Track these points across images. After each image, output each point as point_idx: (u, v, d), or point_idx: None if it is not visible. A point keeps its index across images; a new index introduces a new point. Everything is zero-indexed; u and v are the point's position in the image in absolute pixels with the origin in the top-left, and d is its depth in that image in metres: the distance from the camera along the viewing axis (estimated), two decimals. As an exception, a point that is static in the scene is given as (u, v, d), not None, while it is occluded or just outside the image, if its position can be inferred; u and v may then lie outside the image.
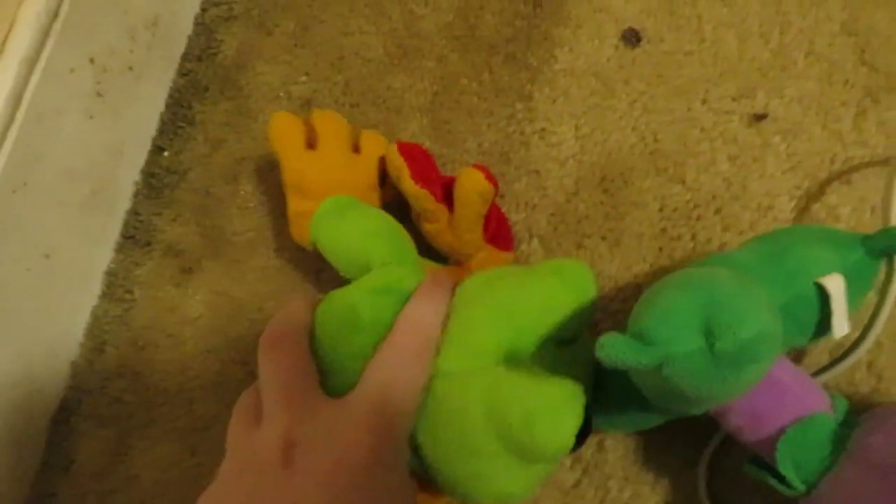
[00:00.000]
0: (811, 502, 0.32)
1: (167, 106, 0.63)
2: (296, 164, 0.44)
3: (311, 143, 0.45)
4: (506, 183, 0.49)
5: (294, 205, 0.45)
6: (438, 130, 0.53)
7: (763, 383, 0.32)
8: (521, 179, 0.49)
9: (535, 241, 0.47)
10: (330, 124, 0.46)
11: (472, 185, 0.40)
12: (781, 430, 0.32)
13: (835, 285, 0.32)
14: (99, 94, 0.57)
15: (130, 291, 0.58)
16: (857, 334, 0.36)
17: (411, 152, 0.42)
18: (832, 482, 0.31)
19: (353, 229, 0.38)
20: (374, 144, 0.47)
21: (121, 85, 0.58)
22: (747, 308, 0.27)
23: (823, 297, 0.33)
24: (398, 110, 0.54)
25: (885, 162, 0.42)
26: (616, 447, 0.42)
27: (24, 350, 0.53)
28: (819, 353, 0.40)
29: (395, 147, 0.42)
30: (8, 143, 0.50)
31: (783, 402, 0.33)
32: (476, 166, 0.41)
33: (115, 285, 0.58)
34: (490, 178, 0.40)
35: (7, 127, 0.50)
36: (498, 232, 0.45)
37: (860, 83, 0.44)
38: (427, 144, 0.53)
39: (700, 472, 0.39)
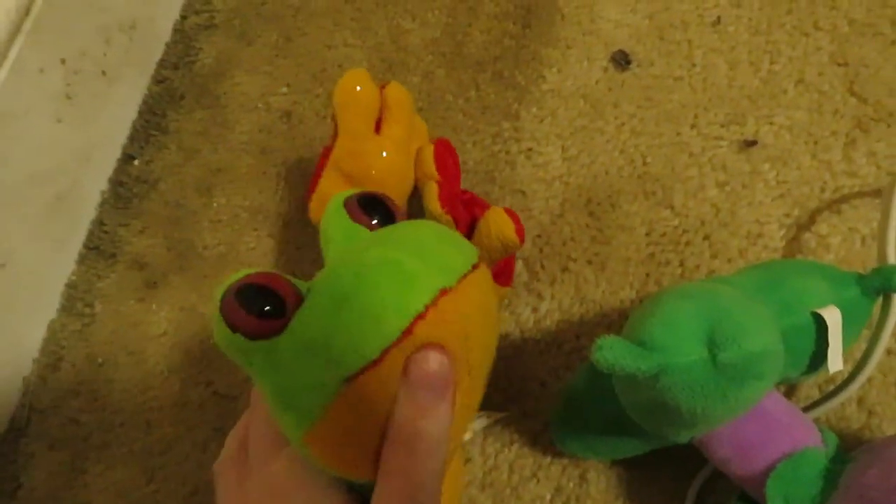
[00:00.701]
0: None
1: (140, 113, 0.61)
2: (354, 144, 0.41)
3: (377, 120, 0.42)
4: (490, 202, 0.48)
5: (330, 188, 0.42)
6: (421, 147, 0.51)
7: (752, 414, 0.31)
8: (506, 199, 0.48)
9: (520, 263, 0.46)
10: (401, 108, 0.43)
11: (498, 233, 0.37)
12: (771, 466, 0.30)
13: (832, 317, 0.31)
14: (69, 97, 0.54)
15: (91, 305, 0.55)
16: (849, 369, 0.35)
17: (444, 162, 0.40)
18: (827, 521, 0.29)
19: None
20: (420, 137, 0.45)
21: (92, 88, 0.56)
22: (753, 322, 0.25)
23: (819, 329, 0.31)
24: (380, 125, 0.53)
25: (875, 193, 0.41)
26: (598, 479, 0.40)
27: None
28: (809, 387, 0.39)
29: (430, 151, 0.40)
30: (-31, 145, 0.48)
31: (773, 435, 0.31)
32: (507, 211, 0.37)
33: (76, 298, 0.56)
34: (519, 230, 0.37)
35: (-31, 127, 0.48)
36: (504, 269, 0.43)
37: (849, 113, 0.43)
38: (409, 161, 0.51)
39: (688, 500, 0.37)
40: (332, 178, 0.43)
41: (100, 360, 0.52)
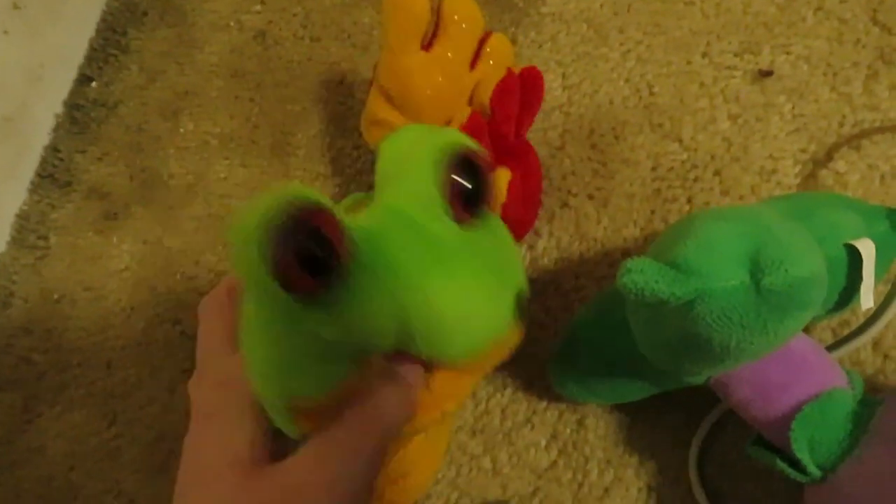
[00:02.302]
0: (824, 490, 0.28)
1: (98, 31, 0.56)
2: (399, 62, 0.36)
3: (426, 35, 0.37)
4: (484, 133, 0.44)
5: (375, 108, 0.38)
6: (410, 72, 0.47)
7: (777, 354, 0.29)
8: (501, 130, 0.44)
9: (515, 198, 0.43)
10: (459, 22, 0.37)
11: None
12: (795, 408, 0.28)
13: (867, 250, 0.29)
14: (16, 7, 0.49)
15: (45, 237, 0.50)
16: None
17: (504, 98, 0.37)
18: (852, 466, 0.27)
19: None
20: (499, 57, 0.39)
21: (43, -2, 0.51)
22: (800, 245, 0.23)
23: (852, 263, 0.29)
24: (364, 48, 0.49)
25: (894, 127, 0.39)
26: (597, 425, 0.38)
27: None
28: (822, 330, 0.37)
29: (492, 82, 0.37)
30: None
31: (798, 376, 0.29)
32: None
33: (27, 230, 0.51)
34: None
35: None
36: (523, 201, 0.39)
37: (872, 44, 0.41)
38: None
39: (691, 456, 0.35)
40: (375, 96, 0.38)
41: (55, 295, 0.48)
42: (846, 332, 0.35)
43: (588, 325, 0.34)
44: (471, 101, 0.39)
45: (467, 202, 0.23)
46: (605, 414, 0.38)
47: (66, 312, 0.47)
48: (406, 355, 0.22)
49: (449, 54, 0.37)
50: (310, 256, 0.19)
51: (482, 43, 0.39)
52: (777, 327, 0.23)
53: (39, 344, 0.47)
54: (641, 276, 0.22)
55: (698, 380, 0.30)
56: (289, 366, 0.22)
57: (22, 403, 0.46)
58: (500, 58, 0.39)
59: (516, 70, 0.39)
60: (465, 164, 0.23)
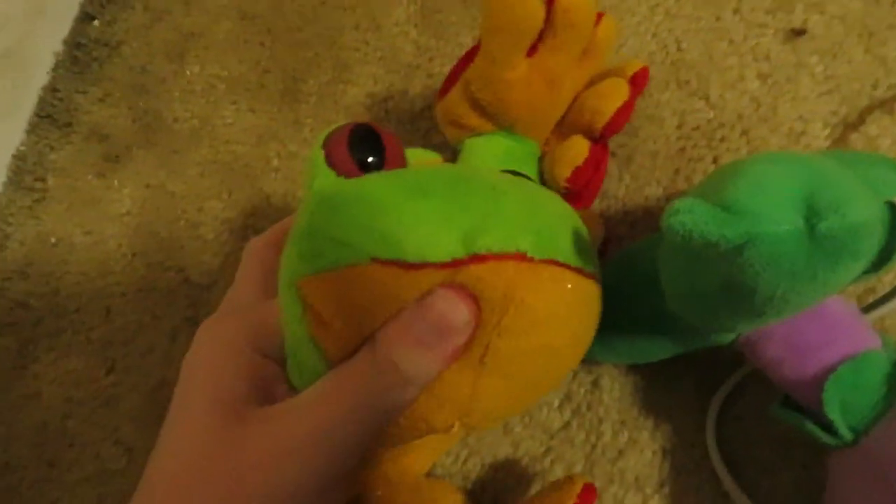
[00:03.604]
0: (855, 454, 0.28)
1: (101, -33, 0.53)
2: (500, 76, 0.32)
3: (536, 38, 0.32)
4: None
5: (460, 112, 0.34)
6: (428, 20, 0.46)
7: (810, 313, 0.28)
8: (521, 83, 0.43)
9: (534, 152, 0.41)
10: (573, 24, 0.32)
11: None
12: (829, 368, 0.27)
13: (909, 207, 0.27)
14: (17, -65, 0.47)
15: (43, 179, 0.49)
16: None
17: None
18: (886, 429, 0.27)
19: None
20: (607, 46, 0.35)
21: (45, -73, 0.48)
22: (856, 190, 0.21)
23: (892, 221, 0.28)
24: (383, -8, 0.47)
25: (932, 92, 0.38)
26: (612, 387, 0.37)
27: None
28: (846, 297, 0.36)
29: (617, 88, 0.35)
30: None
31: (833, 335, 0.28)
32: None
33: (25, 171, 0.49)
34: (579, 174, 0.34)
35: None
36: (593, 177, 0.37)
37: (910, 4, 0.39)
38: (413, 35, 0.45)
39: (709, 420, 0.35)
40: (461, 100, 0.35)
41: (53, 239, 0.46)
42: (871, 299, 0.34)
43: (610, 280, 0.33)
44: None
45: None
46: (620, 376, 0.37)
47: (65, 257, 0.46)
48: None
49: (556, 60, 0.33)
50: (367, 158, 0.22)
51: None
52: (828, 276, 0.22)
53: (36, 288, 0.46)
54: (690, 216, 0.21)
55: (727, 338, 0.30)
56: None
57: (17, 348, 0.45)
58: (608, 46, 0.36)
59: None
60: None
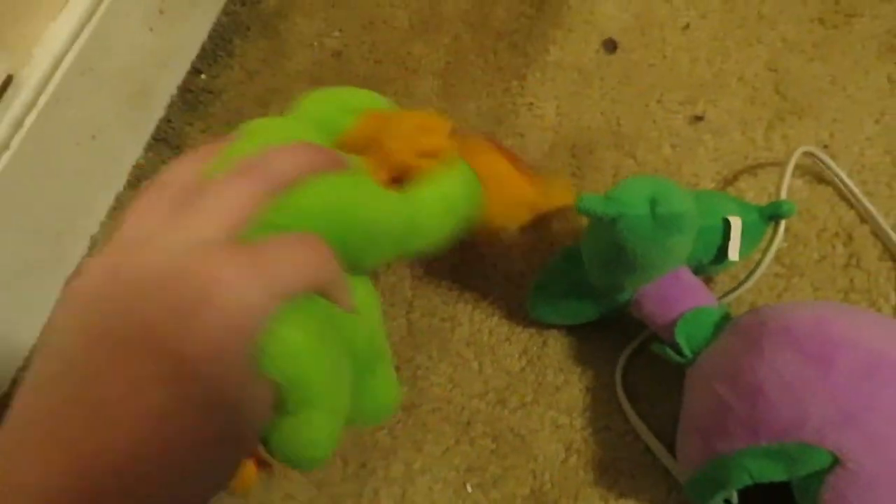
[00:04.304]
0: (693, 372, 0.44)
1: (210, 37, 0.73)
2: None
3: None
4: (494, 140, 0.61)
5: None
6: (446, 92, 0.64)
7: (671, 278, 0.45)
8: (508, 139, 0.61)
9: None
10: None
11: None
12: (681, 314, 0.44)
13: (735, 223, 0.45)
14: (161, 12, 0.66)
15: (155, 184, 0.66)
16: (744, 275, 0.49)
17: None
18: (711, 352, 0.43)
19: None
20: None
21: (180, 8, 0.68)
22: (680, 195, 0.39)
23: (726, 231, 0.45)
24: (415, 71, 0.66)
25: (780, 164, 0.56)
26: (555, 343, 0.53)
27: (56, 216, 0.61)
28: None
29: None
30: (87, 31, 0.59)
31: (685, 294, 0.45)
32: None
33: (142, 178, 0.67)
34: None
35: (89, 18, 0.59)
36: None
37: (773, 106, 0.58)
38: (434, 101, 0.64)
39: (619, 366, 0.51)
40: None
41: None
42: (727, 289, 0.51)
43: (557, 263, 0.51)
44: None
45: None
46: (561, 336, 0.54)
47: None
48: None
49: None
50: None
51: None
52: (666, 242, 0.39)
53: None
54: (590, 201, 0.39)
55: (625, 296, 0.46)
56: None
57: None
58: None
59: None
60: None
